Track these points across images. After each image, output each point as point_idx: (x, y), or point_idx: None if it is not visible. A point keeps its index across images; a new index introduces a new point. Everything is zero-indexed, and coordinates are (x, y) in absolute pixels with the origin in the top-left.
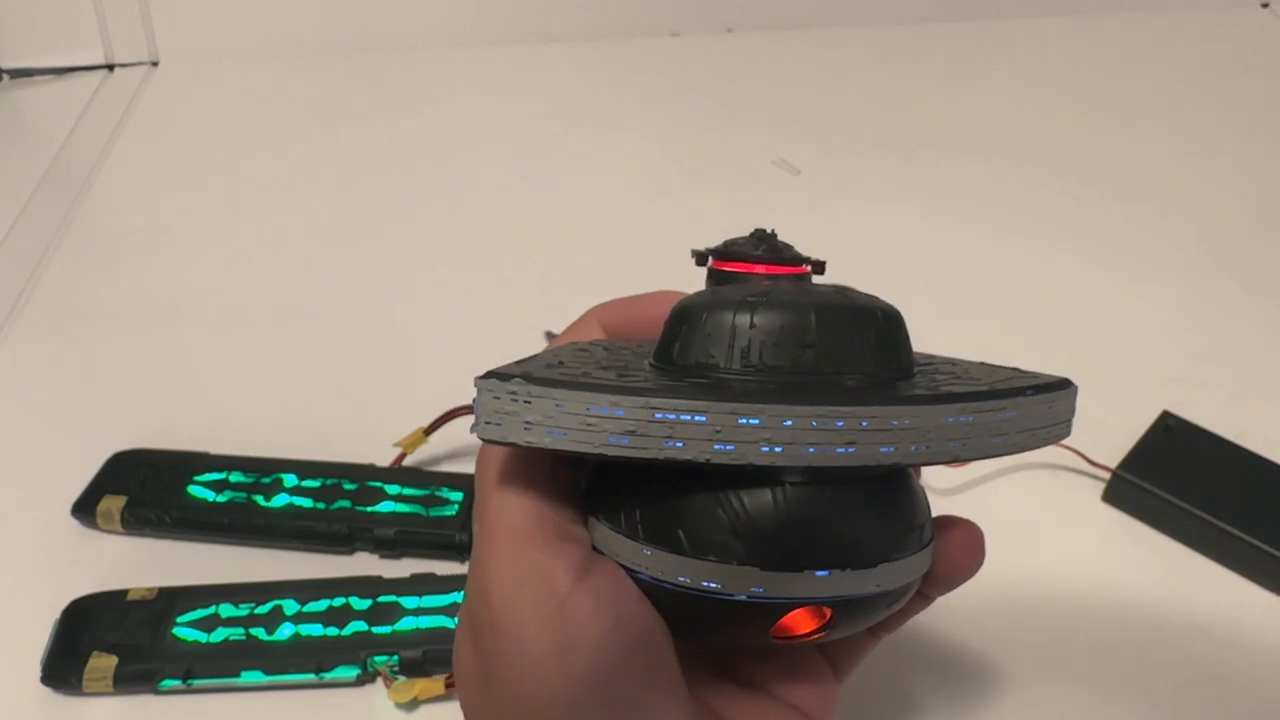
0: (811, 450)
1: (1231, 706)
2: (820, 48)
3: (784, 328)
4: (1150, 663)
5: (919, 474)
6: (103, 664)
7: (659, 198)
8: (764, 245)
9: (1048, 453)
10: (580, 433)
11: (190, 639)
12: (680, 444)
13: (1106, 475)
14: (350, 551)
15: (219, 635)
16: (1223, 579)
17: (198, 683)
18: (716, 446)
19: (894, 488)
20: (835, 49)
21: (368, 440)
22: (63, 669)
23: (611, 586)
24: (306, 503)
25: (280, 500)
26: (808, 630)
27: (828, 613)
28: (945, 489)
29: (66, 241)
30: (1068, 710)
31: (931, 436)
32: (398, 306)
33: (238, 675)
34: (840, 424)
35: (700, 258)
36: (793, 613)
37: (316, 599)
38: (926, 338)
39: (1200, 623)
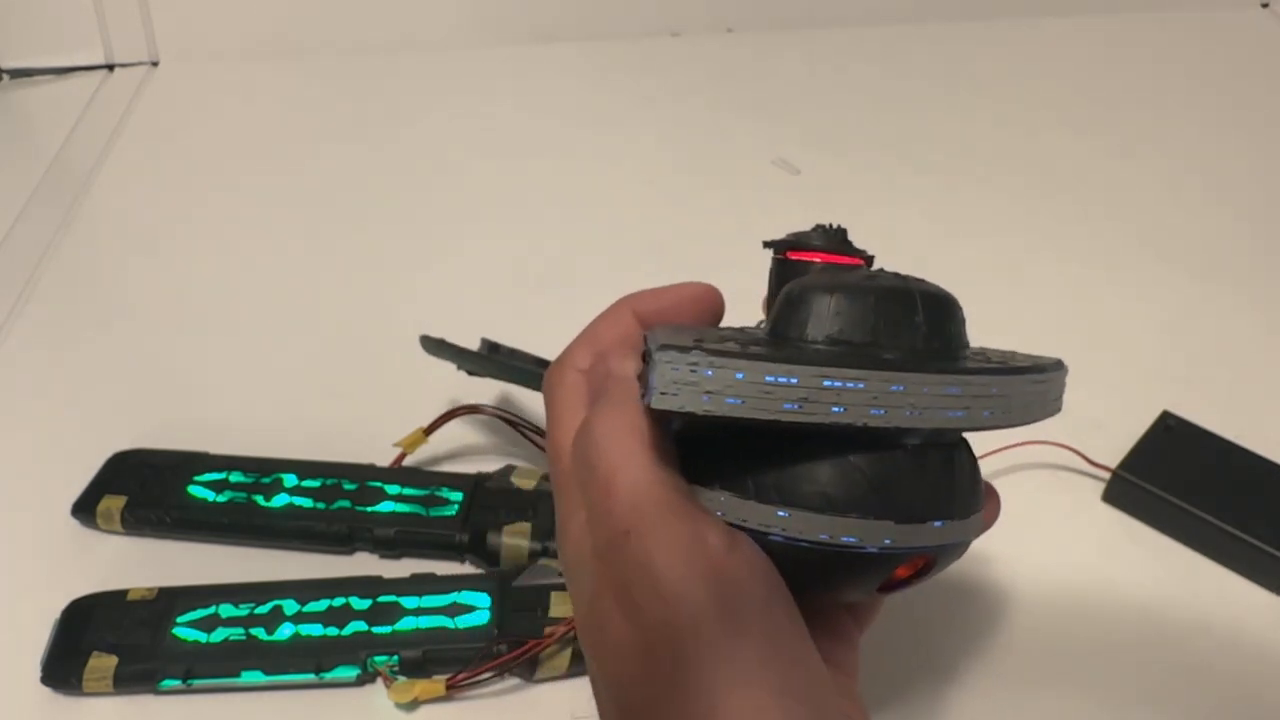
0: (950, 414)
1: (1231, 706)
2: (820, 48)
3: (901, 308)
4: (1150, 663)
5: None
6: (103, 664)
7: (659, 197)
8: (833, 237)
9: (1048, 453)
10: (758, 400)
11: (190, 639)
12: (843, 409)
13: (1106, 475)
14: (350, 551)
15: (219, 635)
16: (1223, 579)
17: (198, 683)
18: (873, 411)
19: (969, 451)
20: (835, 49)
21: (368, 440)
22: (63, 669)
23: (754, 551)
24: (306, 503)
25: (280, 500)
26: (905, 577)
27: (921, 561)
28: None
29: (66, 241)
30: (1067, 710)
31: (1014, 404)
32: (398, 306)
33: (238, 675)
34: (957, 390)
35: (778, 247)
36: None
37: (316, 599)
38: None
39: (1200, 623)
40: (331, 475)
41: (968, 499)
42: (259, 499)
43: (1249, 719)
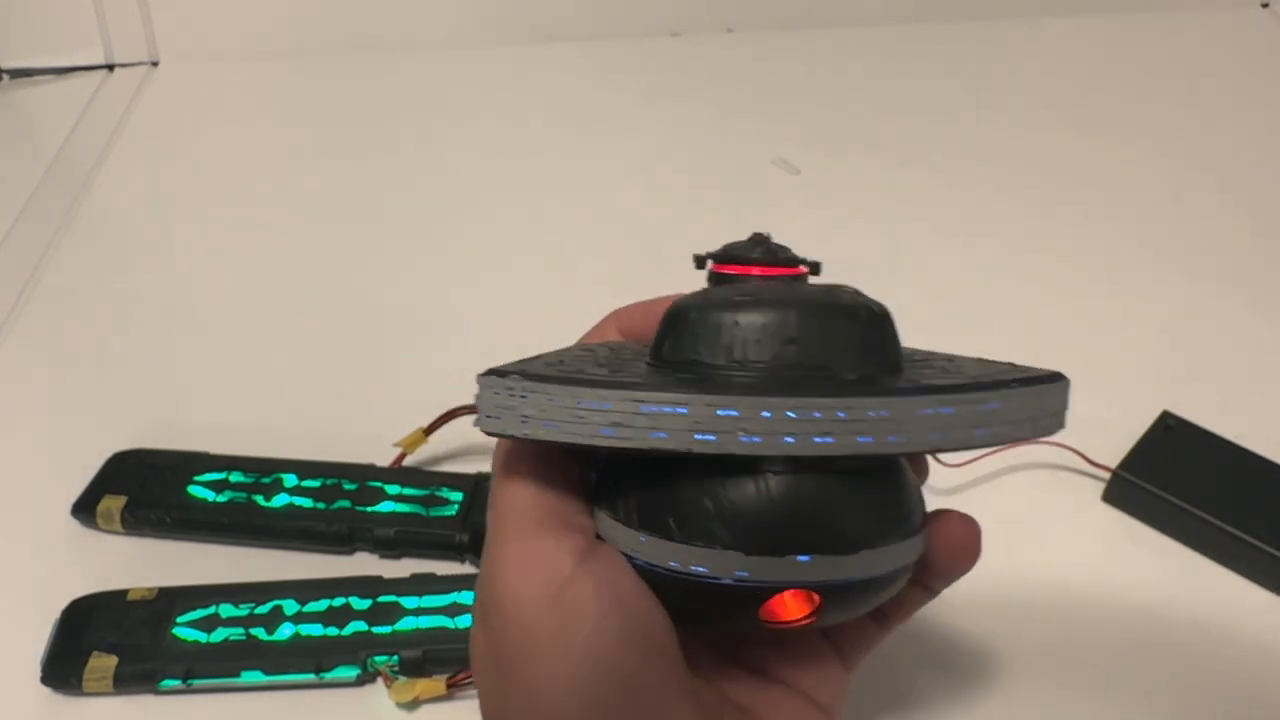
0: (789, 440)
1: (1231, 706)
2: (820, 48)
3: (766, 325)
4: (1150, 662)
5: (924, 466)
6: (103, 664)
7: (659, 198)
8: (759, 248)
9: (1048, 453)
10: (572, 425)
11: (190, 639)
12: (664, 434)
13: (1106, 475)
14: (350, 551)
15: (219, 635)
16: (1223, 579)
17: (198, 683)
18: (698, 436)
19: (878, 477)
20: (835, 49)
21: (368, 440)
22: (63, 669)
23: (610, 570)
24: (306, 503)
25: (280, 500)
26: (799, 616)
27: (817, 599)
28: (946, 488)
29: (66, 241)
30: (1067, 710)
31: (909, 427)
32: (397, 306)
33: (238, 675)
34: (818, 415)
35: (699, 261)
36: (782, 598)
37: (316, 599)
38: (926, 336)
39: (1200, 623)
40: (331, 475)
41: (858, 530)
42: (259, 499)
43: (1249, 719)
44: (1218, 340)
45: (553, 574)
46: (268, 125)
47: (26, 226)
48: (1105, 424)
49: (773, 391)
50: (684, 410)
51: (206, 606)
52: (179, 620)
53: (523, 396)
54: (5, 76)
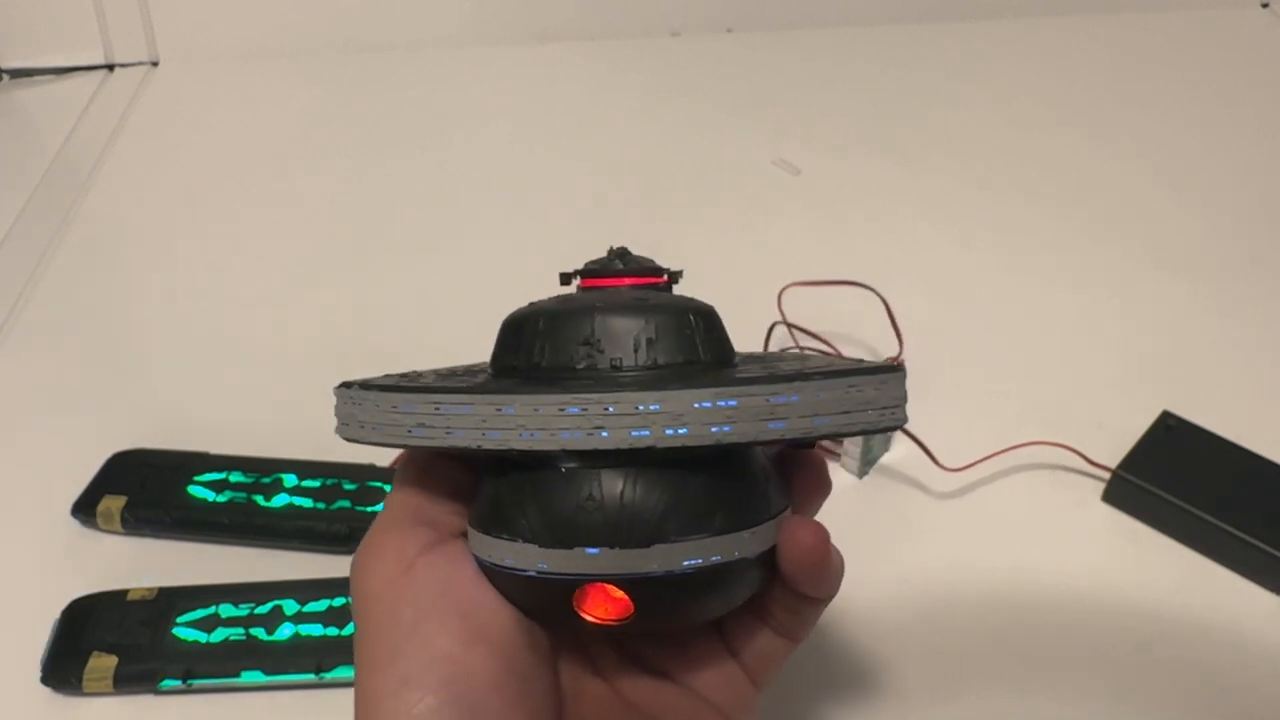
0: (565, 435)
1: (1231, 706)
2: (820, 48)
3: (565, 328)
4: (1150, 663)
5: (823, 480)
6: (103, 664)
7: (658, 198)
8: (616, 260)
9: (1048, 453)
10: (389, 428)
11: (190, 639)
12: (460, 433)
13: (1106, 475)
14: (350, 551)
15: (219, 635)
16: (1223, 579)
17: (198, 683)
18: (487, 434)
19: (691, 470)
20: (835, 49)
21: None
22: (63, 669)
23: (447, 561)
24: (306, 503)
25: (280, 500)
26: (616, 614)
27: (617, 595)
28: (945, 491)
29: (66, 241)
30: (1067, 710)
31: (686, 419)
32: (396, 305)
33: (238, 675)
34: (584, 410)
35: (565, 278)
36: (594, 593)
37: (316, 599)
38: (926, 335)
39: (1200, 623)
40: (331, 475)
41: (651, 525)
42: (259, 499)
43: (1249, 719)
44: (1218, 340)
45: (397, 561)
46: (268, 125)
47: (26, 226)
48: (1105, 424)
49: (556, 390)
50: (469, 410)
51: (206, 606)
52: (179, 620)
53: (359, 405)
54: (5, 76)
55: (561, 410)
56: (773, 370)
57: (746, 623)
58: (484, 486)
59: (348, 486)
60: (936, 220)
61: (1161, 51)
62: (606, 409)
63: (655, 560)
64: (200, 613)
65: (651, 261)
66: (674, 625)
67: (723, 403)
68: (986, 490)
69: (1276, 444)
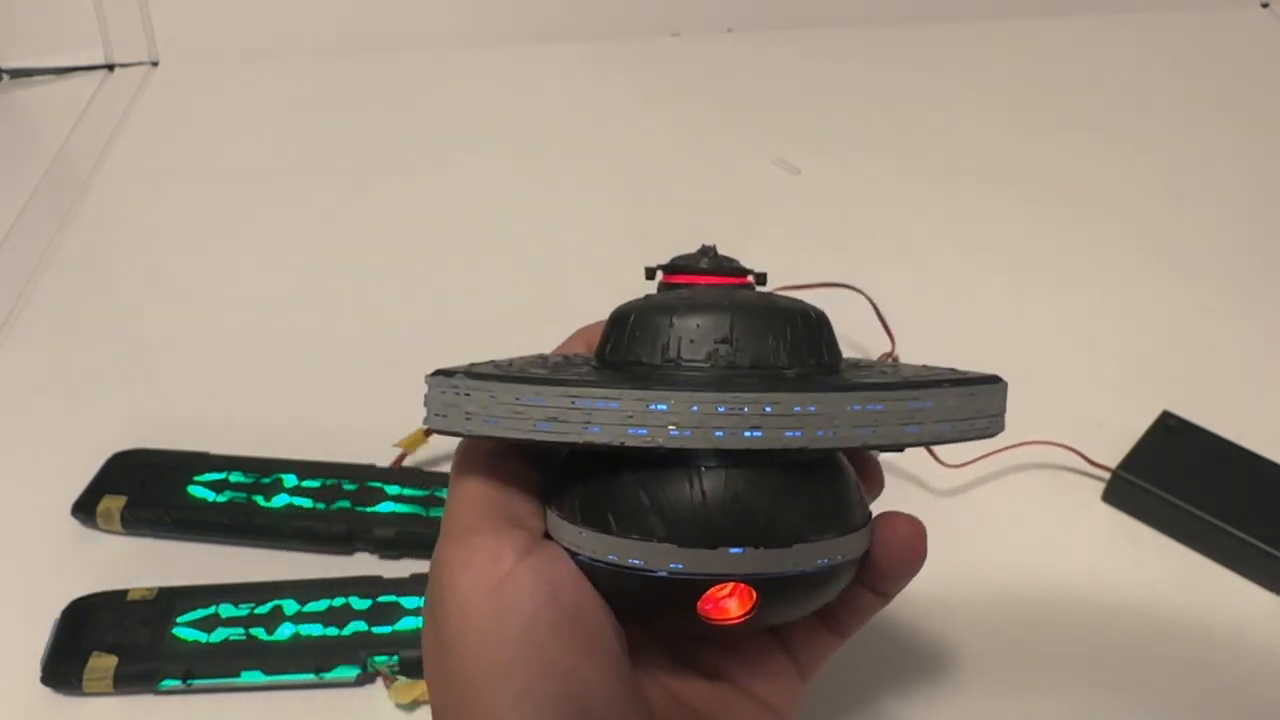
0: (718, 434)
1: (1231, 706)
2: (820, 48)
3: (701, 325)
4: (1150, 663)
5: (878, 479)
6: (103, 664)
7: (658, 198)
8: (705, 258)
9: (1048, 453)
10: (511, 420)
11: (190, 639)
12: (598, 429)
13: (1106, 475)
14: (350, 552)
15: (219, 635)
16: (1223, 579)
17: (198, 683)
18: (630, 430)
19: (814, 472)
20: (835, 49)
21: (368, 440)
22: (63, 669)
23: (549, 565)
24: (306, 503)
25: (280, 500)
26: (738, 613)
27: (754, 594)
28: (945, 490)
29: (66, 241)
30: (1067, 710)
31: (837, 422)
32: (397, 306)
33: (238, 675)
34: (745, 409)
35: (650, 273)
36: (720, 593)
37: (316, 599)
38: (926, 335)
39: (1200, 623)
40: (331, 475)
41: (792, 524)
42: (259, 499)
43: (1249, 719)
44: (1218, 340)
45: (494, 567)
46: (268, 125)
47: (26, 226)
48: (1105, 424)
49: (703, 387)
50: (615, 405)
51: (206, 606)
52: (179, 620)
53: (466, 395)
54: (5, 76)
55: (719, 410)
56: (891, 378)
57: (807, 621)
58: (577, 483)
59: (348, 487)
60: (936, 220)
61: (1161, 51)
62: (765, 409)
63: (795, 559)
64: (200, 613)
65: (736, 262)
66: (785, 620)
67: (871, 406)
68: (986, 490)
69: (1276, 444)
